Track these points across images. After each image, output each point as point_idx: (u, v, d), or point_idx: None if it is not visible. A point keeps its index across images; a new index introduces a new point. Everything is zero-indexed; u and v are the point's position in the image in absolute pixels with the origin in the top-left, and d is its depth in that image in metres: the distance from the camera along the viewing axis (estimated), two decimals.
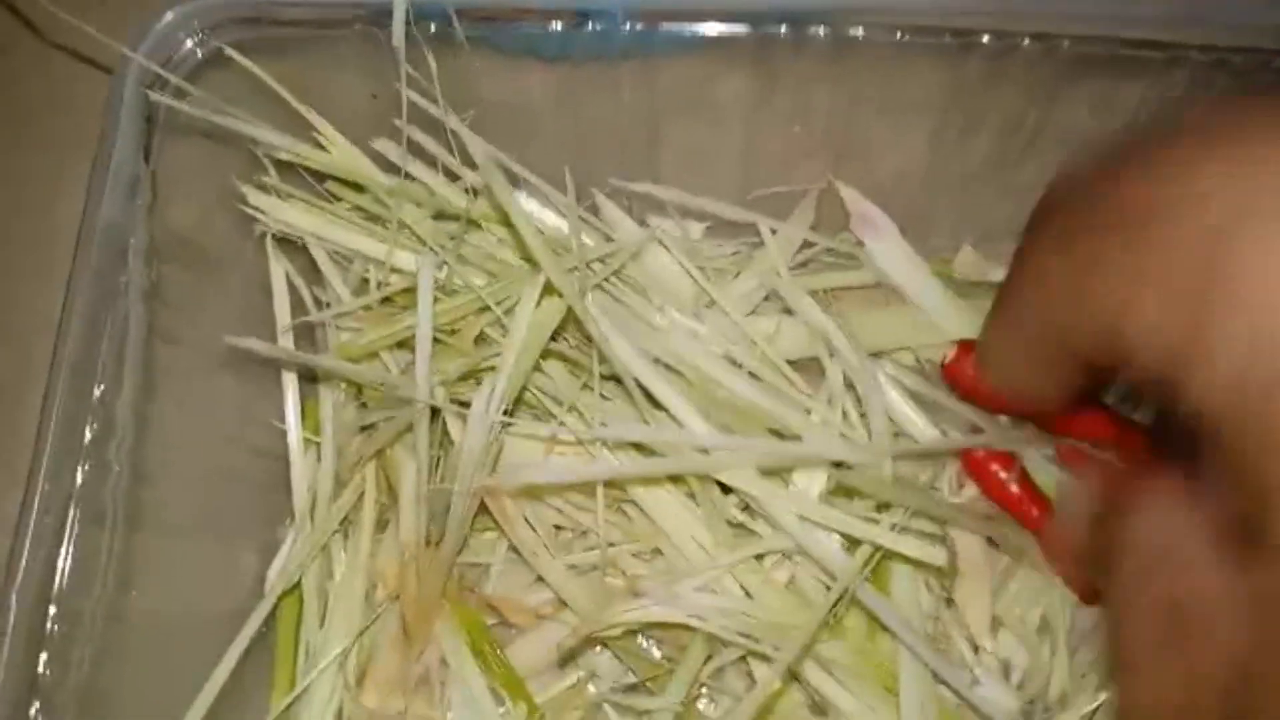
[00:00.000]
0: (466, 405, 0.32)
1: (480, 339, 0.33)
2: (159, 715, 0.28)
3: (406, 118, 0.30)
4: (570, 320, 0.32)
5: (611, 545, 0.33)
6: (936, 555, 0.30)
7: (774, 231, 0.36)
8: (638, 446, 0.33)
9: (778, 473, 0.32)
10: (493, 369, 0.32)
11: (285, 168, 0.32)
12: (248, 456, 0.33)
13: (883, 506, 0.32)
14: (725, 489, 0.32)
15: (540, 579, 0.34)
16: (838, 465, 0.32)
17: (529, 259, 0.33)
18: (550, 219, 0.34)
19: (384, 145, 0.32)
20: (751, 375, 0.33)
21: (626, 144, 0.34)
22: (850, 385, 0.33)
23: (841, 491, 0.32)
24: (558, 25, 0.30)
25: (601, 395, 0.33)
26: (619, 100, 0.32)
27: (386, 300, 0.34)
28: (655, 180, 0.35)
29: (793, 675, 0.31)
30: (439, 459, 0.33)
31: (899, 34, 0.30)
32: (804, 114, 0.33)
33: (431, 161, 0.33)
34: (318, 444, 0.34)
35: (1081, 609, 0.32)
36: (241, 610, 0.31)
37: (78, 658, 0.25)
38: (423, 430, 0.31)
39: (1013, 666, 0.33)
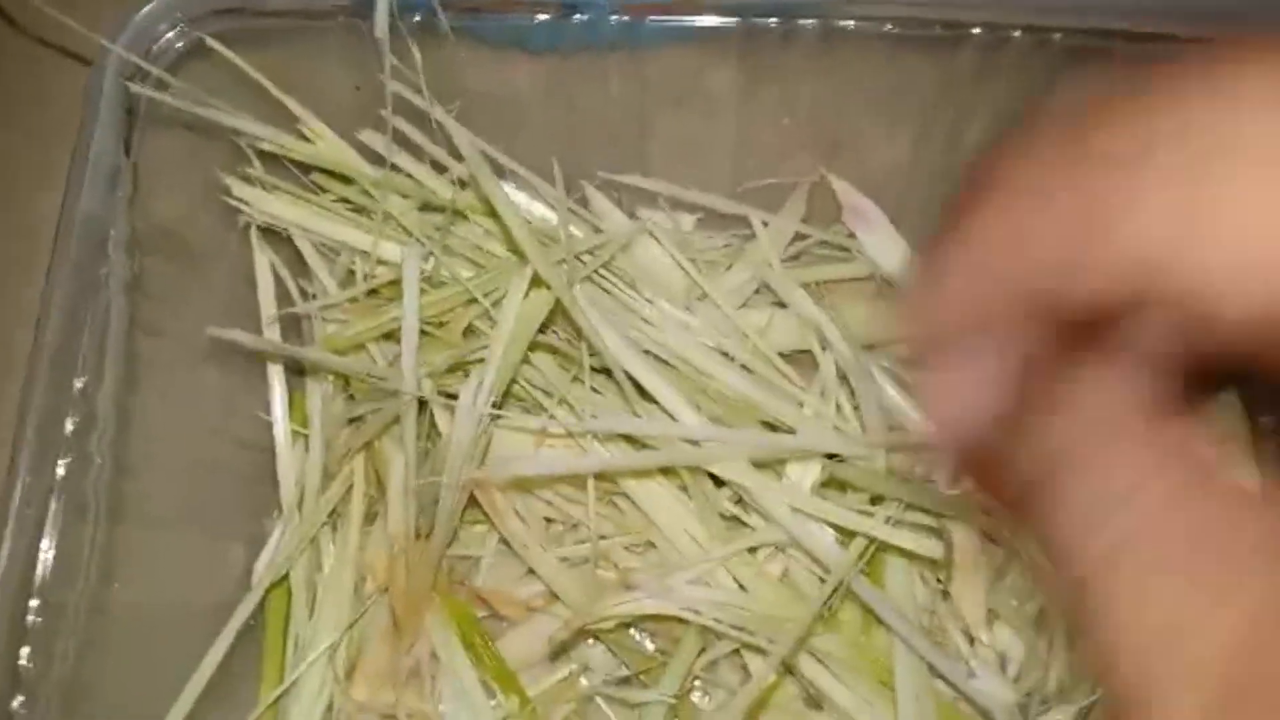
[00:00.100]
0: (455, 397, 0.32)
1: (469, 331, 0.33)
2: (144, 708, 0.28)
3: (392, 110, 0.30)
4: (560, 312, 0.32)
5: (603, 538, 0.33)
6: (932, 548, 0.30)
7: (765, 224, 0.36)
8: (629, 439, 0.32)
9: (771, 465, 0.32)
10: (481, 361, 0.32)
11: (269, 159, 0.32)
12: (233, 449, 0.33)
13: (877, 499, 0.31)
14: (718, 481, 0.32)
15: (531, 571, 0.33)
16: (831, 457, 0.32)
17: (516, 251, 0.33)
18: (538, 210, 0.34)
19: (369, 137, 0.32)
20: (743, 368, 0.33)
21: (615, 136, 0.34)
22: (843, 377, 0.33)
23: (835, 484, 0.32)
24: (545, 16, 0.30)
25: (592, 388, 0.33)
26: (607, 92, 0.32)
27: (373, 292, 0.33)
28: (645, 173, 0.35)
29: (787, 668, 0.31)
30: (427, 451, 0.33)
31: (888, 26, 0.30)
32: (793, 106, 0.33)
33: (417, 153, 0.33)
34: (305, 436, 0.34)
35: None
36: (228, 603, 0.31)
37: (61, 650, 0.25)
38: (410, 422, 0.31)
39: (1009, 659, 0.33)
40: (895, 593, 0.32)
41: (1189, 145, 0.11)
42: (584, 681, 0.34)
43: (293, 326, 0.35)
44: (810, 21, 0.30)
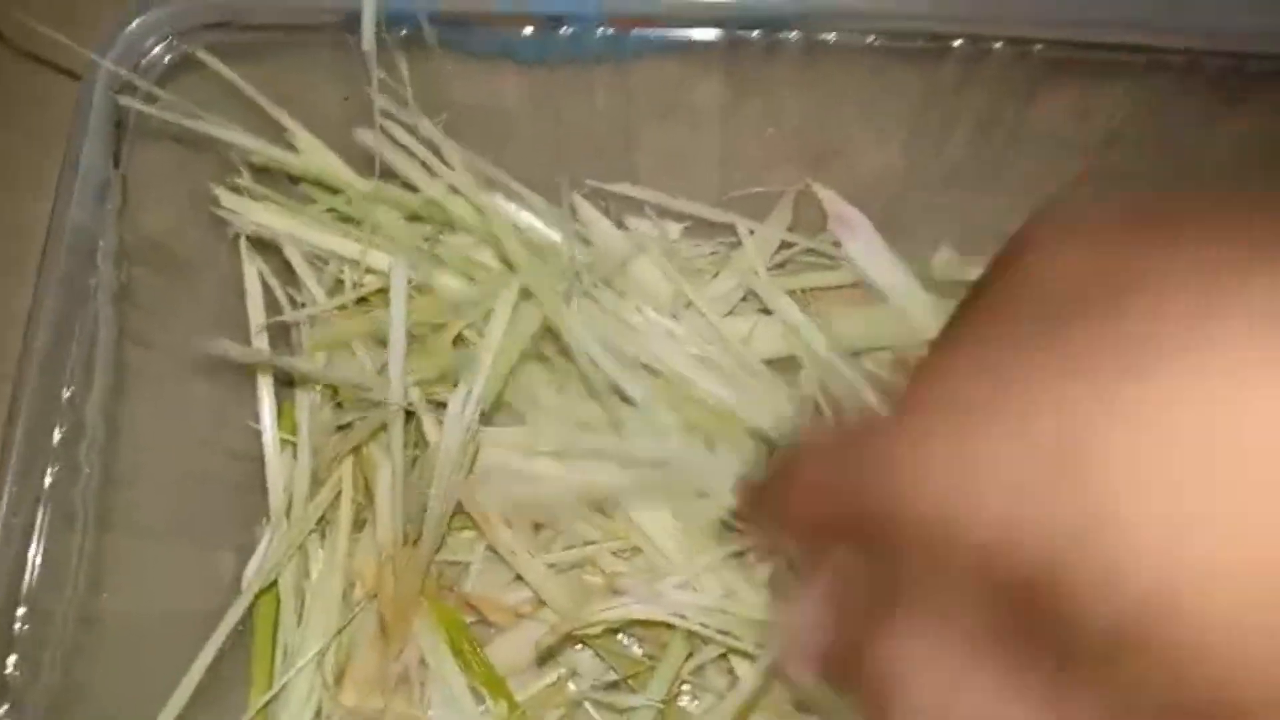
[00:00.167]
0: (443, 406, 0.33)
1: (458, 340, 0.33)
2: (132, 716, 0.28)
3: (380, 122, 0.31)
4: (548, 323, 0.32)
5: (590, 544, 0.34)
6: None
7: (751, 232, 0.36)
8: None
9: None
10: (469, 370, 0.32)
11: (258, 170, 0.32)
12: (222, 458, 0.33)
13: None
14: None
15: (519, 577, 0.34)
16: None
17: (506, 261, 0.33)
18: (525, 220, 0.34)
19: (363, 135, 0.32)
20: (728, 375, 0.33)
21: (602, 147, 0.34)
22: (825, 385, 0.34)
23: None
24: (532, 29, 0.30)
25: (581, 395, 0.33)
26: (594, 104, 0.33)
27: (362, 300, 0.34)
28: (632, 183, 0.36)
29: (775, 672, 0.31)
30: (415, 458, 0.33)
31: (871, 38, 0.30)
32: (778, 118, 0.33)
33: (406, 164, 0.33)
34: (293, 444, 0.34)
35: None
36: (217, 611, 0.31)
37: (49, 659, 0.25)
38: (397, 431, 0.31)
39: None
40: None
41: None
42: (572, 686, 0.34)
43: (282, 336, 0.35)
44: (794, 34, 0.30)
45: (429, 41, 0.29)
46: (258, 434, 0.34)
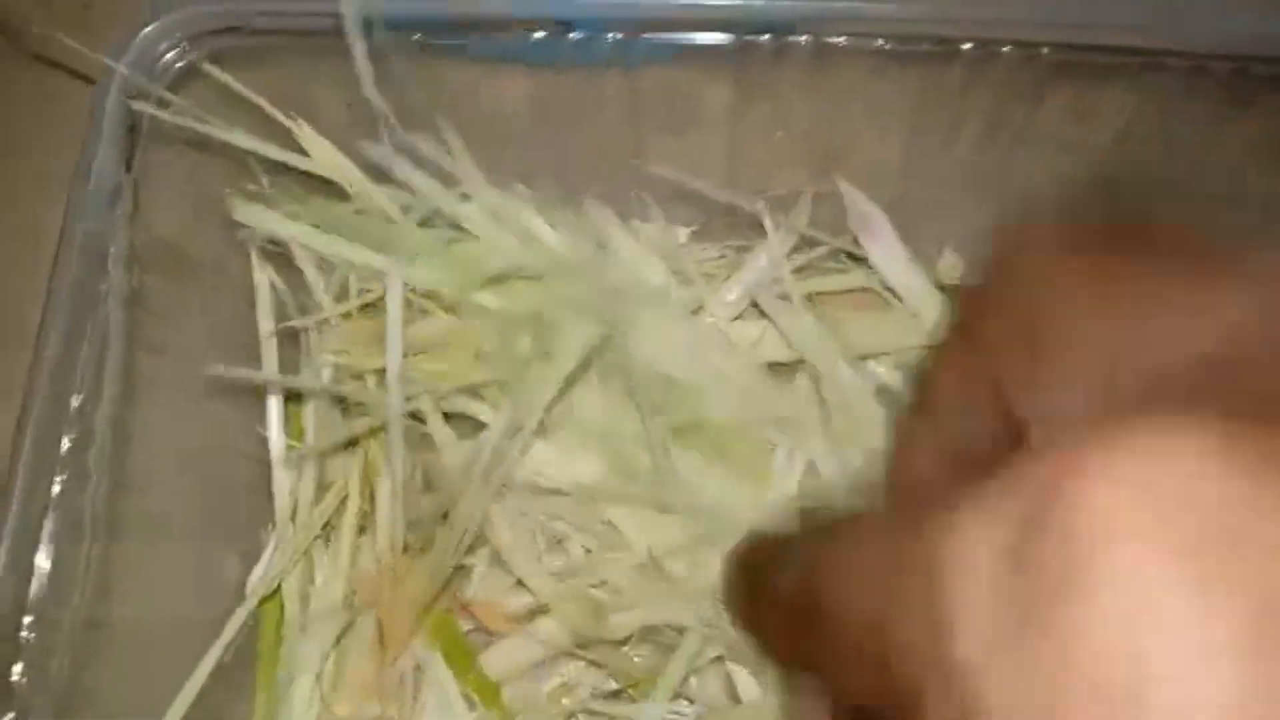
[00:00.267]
0: (451, 416, 0.33)
1: (477, 354, 0.33)
2: None
3: (390, 126, 0.31)
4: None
5: (589, 552, 0.33)
6: None
7: (778, 226, 0.36)
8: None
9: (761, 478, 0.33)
10: (487, 383, 0.32)
11: (270, 175, 0.32)
12: (230, 463, 0.33)
13: None
14: None
15: (520, 584, 0.34)
16: None
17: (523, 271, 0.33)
18: (536, 226, 0.34)
19: (365, 147, 0.32)
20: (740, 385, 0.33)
21: (609, 151, 0.34)
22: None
23: None
24: (540, 34, 0.30)
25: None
26: (602, 108, 0.33)
27: (370, 305, 0.34)
28: (639, 187, 0.36)
29: (773, 682, 0.31)
30: (417, 466, 0.33)
31: (880, 42, 0.30)
32: (786, 121, 0.33)
33: (418, 168, 0.33)
34: (300, 450, 0.34)
35: None
36: (223, 617, 0.31)
37: (56, 666, 0.25)
38: (396, 442, 0.31)
39: None
40: None
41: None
42: (566, 701, 0.34)
43: (291, 338, 0.35)
44: (803, 38, 0.30)
45: (438, 46, 0.29)
46: (263, 438, 0.34)
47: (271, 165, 0.32)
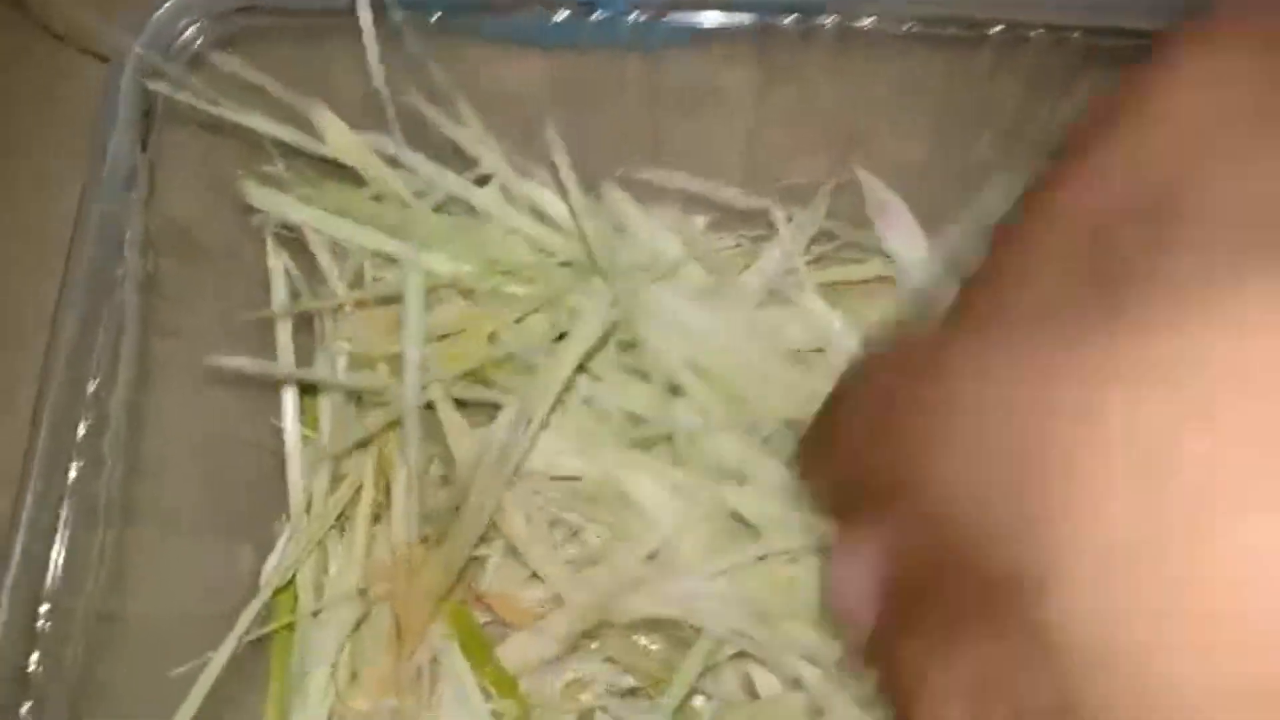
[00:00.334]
0: (465, 404, 0.32)
1: (493, 337, 0.33)
2: (154, 712, 0.28)
3: (408, 107, 0.30)
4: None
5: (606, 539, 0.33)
6: None
7: (789, 219, 0.35)
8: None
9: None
10: (500, 366, 0.31)
11: (287, 158, 0.32)
12: (245, 451, 0.33)
13: None
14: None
15: (535, 575, 0.33)
16: None
17: (542, 254, 0.32)
18: (554, 209, 0.34)
19: (383, 141, 0.31)
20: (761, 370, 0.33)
21: (629, 135, 0.34)
22: None
23: None
24: (562, 15, 0.30)
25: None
26: (623, 90, 0.32)
27: (384, 296, 0.33)
28: (659, 171, 0.35)
29: (792, 679, 0.31)
30: (433, 457, 0.33)
31: (907, 25, 0.30)
32: (810, 105, 0.33)
33: (437, 152, 0.32)
34: (315, 439, 0.34)
35: None
36: (239, 607, 0.30)
37: (70, 655, 0.24)
38: (412, 433, 0.31)
39: None
40: None
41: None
42: (584, 697, 0.33)
43: (306, 324, 0.34)
44: (827, 20, 0.30)
45: (456, 26, 0.29)
46: (278, 428, 0.33)
47: (287, 148, 0.31)
